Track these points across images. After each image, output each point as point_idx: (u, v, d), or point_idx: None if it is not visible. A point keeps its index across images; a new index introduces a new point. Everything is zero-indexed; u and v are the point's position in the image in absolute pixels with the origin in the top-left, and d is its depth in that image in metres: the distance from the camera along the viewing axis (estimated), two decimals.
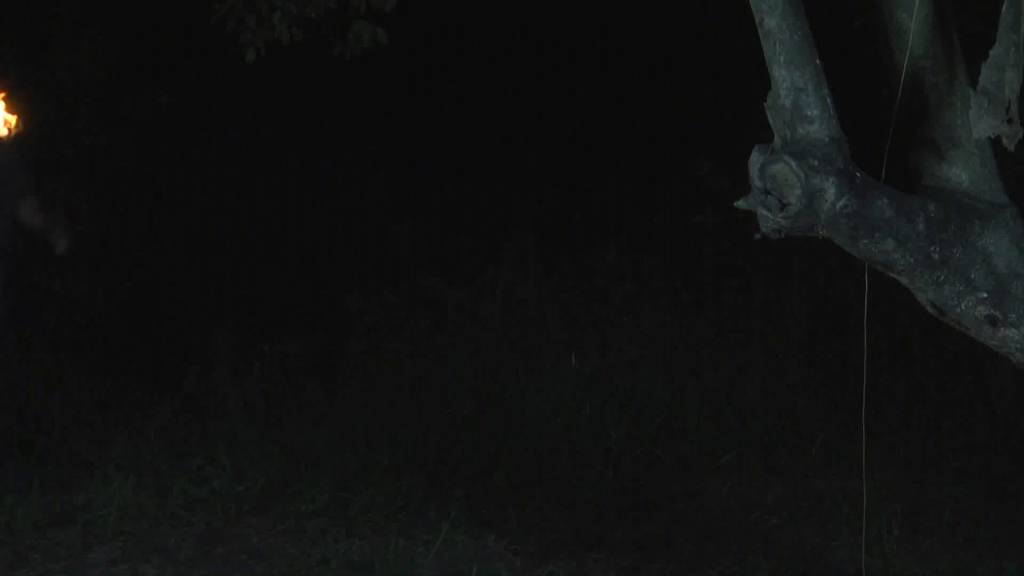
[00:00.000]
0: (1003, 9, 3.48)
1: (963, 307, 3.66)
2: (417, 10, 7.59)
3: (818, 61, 3.52)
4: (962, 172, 3.76)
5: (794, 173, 3.42)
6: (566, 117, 12.12)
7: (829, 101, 3.52)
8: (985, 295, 3.64)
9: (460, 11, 10.71)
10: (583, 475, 8.40)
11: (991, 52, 3.49)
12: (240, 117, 11.51)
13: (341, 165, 11.74)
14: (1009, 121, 3.49)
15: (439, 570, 6.80)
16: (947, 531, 7.65)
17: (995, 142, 3.60)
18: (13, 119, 6.39)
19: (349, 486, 7.96)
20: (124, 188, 10.49)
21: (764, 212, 3.47)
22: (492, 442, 8.82)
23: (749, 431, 9.18)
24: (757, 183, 3.47)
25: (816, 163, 3.44)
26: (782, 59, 3.51)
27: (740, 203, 3.52)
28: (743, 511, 8.05)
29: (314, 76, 10.18)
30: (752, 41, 3.58)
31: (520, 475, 8.29)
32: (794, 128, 3.51)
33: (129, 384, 9.40)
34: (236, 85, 10.44)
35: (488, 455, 8.58)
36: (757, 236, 3.52)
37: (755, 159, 3.47)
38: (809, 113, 3.50)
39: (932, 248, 3.58)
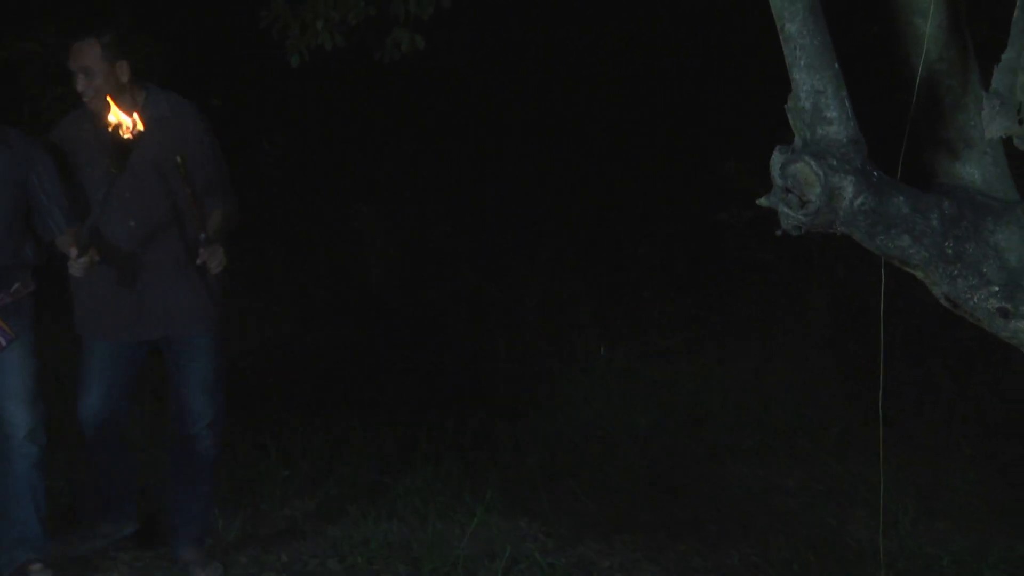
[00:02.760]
0: (1015, 15, 3.46)
1: (976, 300, 3.65)
2: (455, 18, 7.58)
3: (837, 65, 3.51)
4: (975, 171, 3.75)
5: (814, 172, 3.41)
6: (599, 122, 12.12)
7: (847, 103, 3.51)
8: (997, 289, 3.62)
9: (496, 21, 10.70)
10: (613, 461, 8.40)
11: (1003, 56, 3.47)
12: (285, 120, 11.53)
13: (384, 166, 11.76)
14: (1020, 122, 3.47)
15: (474, 550, 6.80)
16: (960, 514, 7.63)
17: (1007, 142, 3.58)
18: (129, 120, 5.72)
19: (389, 471, 7.99)
20: None
21: (785, 209, 3.47)
22: (526, 429, 8.83)
23: (771, 418, 9.18)
24: (779, 182, 3.46)
25: (835, 162, 3.43)
26: (803, 63, 3.50)
27: (762, 201, 3.51)
28: (765, 494, 8.05)
29: (356, 80, 10.19)
30: (774, 46, 3.56)
31: (552, 461, 8.29)
32: (814, 129, 3.50)
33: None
34: (281, 89, 10.47)
35: (522, 442, 8.58)
36: (778, 233, 3.51)
37: (776, 159, 3.46)
38: (828, 115, 3.49)
39: (946, 243, 3.57)
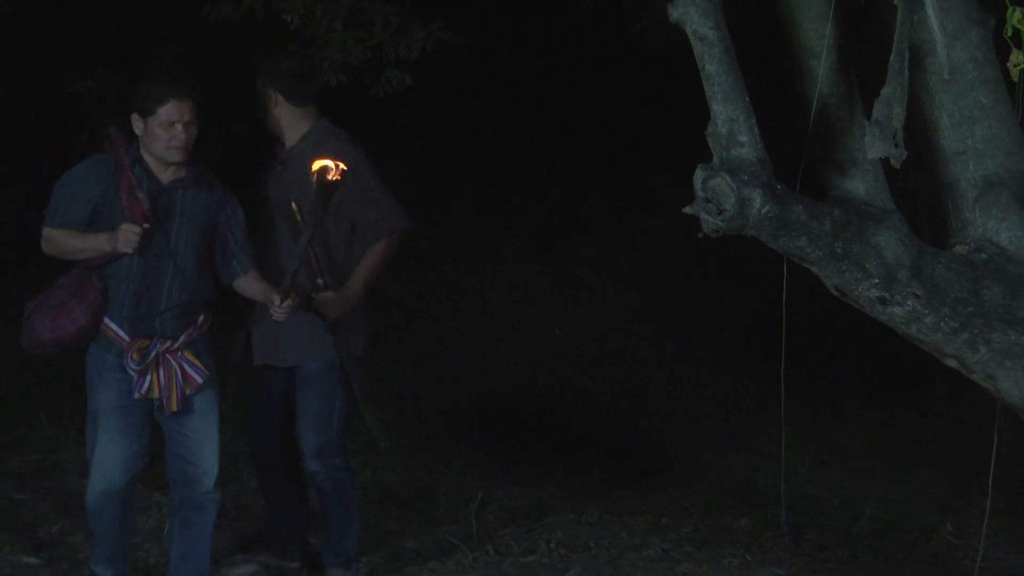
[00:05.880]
0: (891, 58, 3.48)
1: (860, 290, 3.66)
2: (435, 58, 7.58)
3: (748, 98, 3.52)
4: (860, 185, 3.76)
5: (729, 186, 3.42)
6: (555, 144, 12.12)
7: (756, 130, 3.52)
8: (877, 281, 3.64)
9: (470, 59, 10.69)
10: (567, 422, 8.41)
11: (882, 91, 3.49)
12: None
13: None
14: (896, 146, 3.49)
15: (452, 496, 6.80)
16: (847, 464, 7.68)
17: (885, 162, 3.61)
18: (334, 166, 5.03)
19: (384, 432, 7.96)
20: None
21: (705, 216, 3.47)
22: (496, 398, 8.83)
23: (697, 387, 9.20)
24: (700, 193, 3.47)
25: (746, 178, 3.44)
26: (719, 96, 3.51)
27: (687, 209, 3.52)
28: (691, 449, 8.06)
29: (355, 110, 10.19)
30: (698, 82, 3.57)
31: (518, 424, 8.30)
32: (729, 151, 3.50)
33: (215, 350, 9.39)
34: None
35: (493, 408, 8.59)
36: (700, 235, 3.52)
37: (699, 175, 3.47)
38: (741, 139, 3.50)
39: (836, 244, 3.58)
